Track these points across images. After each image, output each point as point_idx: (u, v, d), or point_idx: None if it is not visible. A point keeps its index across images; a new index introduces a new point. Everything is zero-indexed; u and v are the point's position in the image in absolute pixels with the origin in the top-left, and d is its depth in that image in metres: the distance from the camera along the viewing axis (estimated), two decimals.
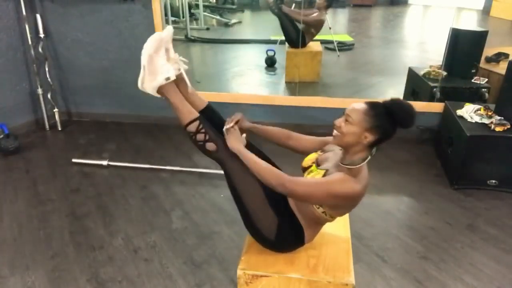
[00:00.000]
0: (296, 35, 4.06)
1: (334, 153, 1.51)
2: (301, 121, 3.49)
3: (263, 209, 1.47)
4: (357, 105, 1.33)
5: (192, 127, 1.51)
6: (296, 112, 3.52)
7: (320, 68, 4.22)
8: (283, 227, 1.47)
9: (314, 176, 1.47)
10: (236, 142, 1.48)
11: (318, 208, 1.41)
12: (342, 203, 1.40)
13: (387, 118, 1.30)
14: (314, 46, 4.29)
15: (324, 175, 1.43)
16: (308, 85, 4.14)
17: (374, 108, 1.32)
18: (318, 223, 1.51)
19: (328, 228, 1.64)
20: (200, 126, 1.51)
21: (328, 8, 4.25)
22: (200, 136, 1.51)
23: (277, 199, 1.46)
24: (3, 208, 2.52)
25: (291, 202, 1.51)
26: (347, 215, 1.75)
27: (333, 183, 1.35)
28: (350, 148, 1.36)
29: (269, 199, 1.46)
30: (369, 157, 1.38)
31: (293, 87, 3.99)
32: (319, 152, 1.60)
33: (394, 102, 1.32)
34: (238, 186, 1.49)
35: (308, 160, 1.58)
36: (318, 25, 4.21)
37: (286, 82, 4.23)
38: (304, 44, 4.13)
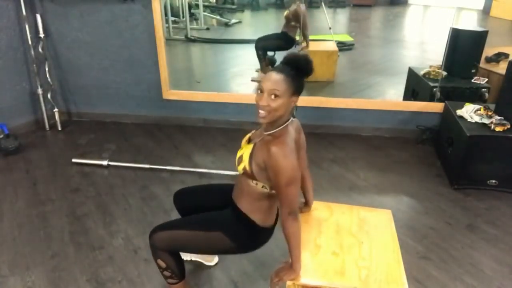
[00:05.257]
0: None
1: (261, 128, 1.50)
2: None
3: (209, 239, 1.54)
4: (273, 76, 1.34)
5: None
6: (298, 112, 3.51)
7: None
8: (230, 231, 1.52)
9: (244, 152, 1.45)
10: (293, 275, 1.43)
11: (256, 184, 1.43)
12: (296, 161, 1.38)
13: (299, 75, 1.36)
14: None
15: (253, 148, 1.42)
16: (307, 85, 4.13)
17: (288, 72, 1.35)
18: (261, 199, 1.48)
19: (376, 236, 1.62)
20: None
21: None
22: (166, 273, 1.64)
23: (210, 216, 1.58)
24: (3, 208, 2.52)
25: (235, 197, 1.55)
26: (393, 225, 1.74)
27: (283, 169, 1.32)
28: (280, 118, 1.38)
29: (205, 227, 1.54)
30: (292, 116, 1.43)
31: None
32: (252, 131, 1.57)
33: (295, 57, 1.37)
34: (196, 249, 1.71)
35: (244, 141, 1.56)
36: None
37: None
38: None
